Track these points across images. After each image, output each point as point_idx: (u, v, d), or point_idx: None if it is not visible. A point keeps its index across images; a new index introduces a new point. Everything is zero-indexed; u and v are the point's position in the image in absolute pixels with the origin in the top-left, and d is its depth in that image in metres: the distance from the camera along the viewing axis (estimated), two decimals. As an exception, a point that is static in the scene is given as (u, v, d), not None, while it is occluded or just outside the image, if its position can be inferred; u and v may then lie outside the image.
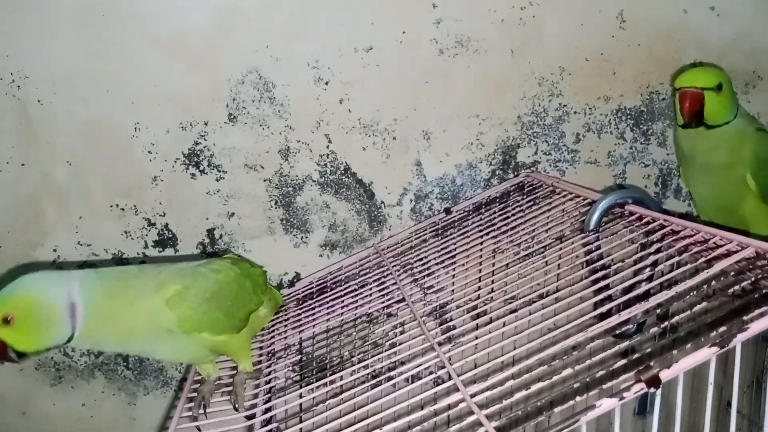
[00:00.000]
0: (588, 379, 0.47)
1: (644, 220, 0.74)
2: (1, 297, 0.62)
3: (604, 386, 0.45)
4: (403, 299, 0.82)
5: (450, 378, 0.58)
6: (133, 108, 1.03)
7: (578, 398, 0.45)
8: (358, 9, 1.04)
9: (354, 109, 1.08)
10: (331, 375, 0.72)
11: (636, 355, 0.48)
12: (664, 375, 0.44)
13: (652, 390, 0.44)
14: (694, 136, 0.92)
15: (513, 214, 0.95)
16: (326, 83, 1.06)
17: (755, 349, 1.13)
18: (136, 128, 1.04)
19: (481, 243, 0.96)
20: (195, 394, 0.75)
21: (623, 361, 0.48)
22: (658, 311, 0.54)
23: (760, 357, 1.12)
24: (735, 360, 0.47)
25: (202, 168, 1.06)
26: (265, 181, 1.08)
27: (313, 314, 0.93)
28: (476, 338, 0.63)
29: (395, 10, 1.05)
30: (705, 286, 0.54)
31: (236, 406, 0.72)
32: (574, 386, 0.47)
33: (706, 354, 0.45)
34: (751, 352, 1.12)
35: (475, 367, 0.59)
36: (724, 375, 1.16)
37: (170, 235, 1.08)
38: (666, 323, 0.51)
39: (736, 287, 0.53)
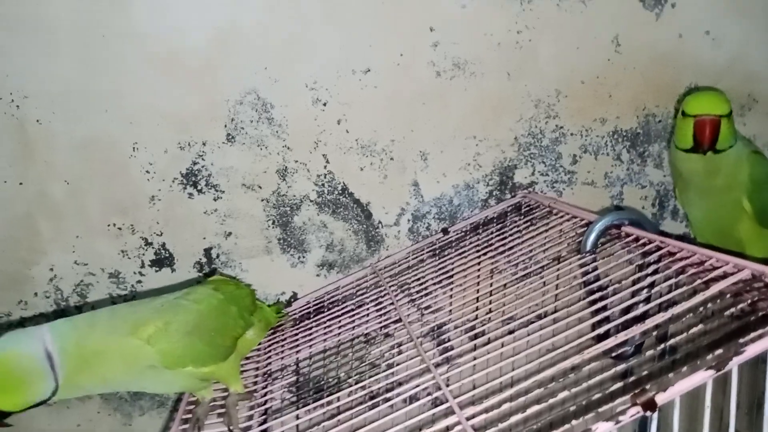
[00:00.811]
0: (585, 402, 0.47)
1: (641, 242, 0.74)
2: None
3: (600, 410, 0.45)
4: (400, 320, 0.82)
5: (447, 400, 0.58)
6: (131, 127, 1.04)
7: (575, 422, 0.45)
8: (356, 31, 1.05)
9: (352, 130, 1.08)
10: (328, 396, 0.71)
11: (633, 378, 0.48)
12: (660, 398, 0.44)
13: (648, 413, 0.44)
14: (695, 160, 0.92)
15: (510, 235, 0.96)
16: (324, 104, 1.07)
17: (754, 372, 1.13)
18: (134, 148, 1.04)
19: (479, 263, 0.96)
20: (190, 416, 0.74)
21: (620, 384, 0.48)
22: (656, 333, 0.54)
23: (760, 379, 1.12)
24: (732, 383, 0.47)
25: (199, 188, 1.07)
26: (262, 200, 1.09)
27: (310, 334, 0.92)
28: (474, 359, 0.63)
29: (393, 32, 1.06)
30: (702, 308, 0.54)
31: (230, 428, 0.71)
32: (571, 409, 0.47)
33: (703, 377, 0.45)
34: (750, 374, 1.12)
35: (473, 388, 0.59)
36: (724, 396, 1.16)
37: (167, 255, 1.08)
38: (664, 345, 0.51)
39: (733, 309, 0.53)
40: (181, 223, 1.07)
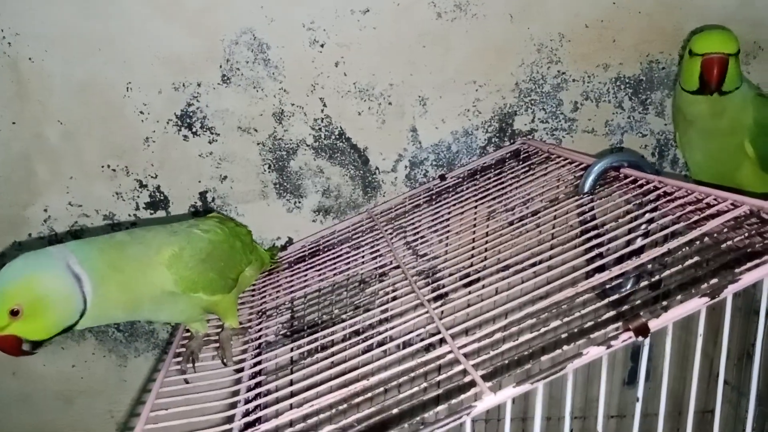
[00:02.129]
0: (576, 330, 0.46)
1: (639, 183, 0.73)
2: (2, 290, 0.58)
3: (593, 335, 0.45)
4: (395, 260, 0.82)
5: (439, 333, 0.58)
6: (125, 67, 1.02)
7: (566, 347, 0.45)
8: (355, -31, 1.02)
9: (350, 73, 1.06)
10: (321, 331, 0.71)
11: (626, 306, 0.48)
12: (653, 324, 0.43)
13: (640, 339, 0.43)
14: (701, 102, 0.90)
15: (508, 180, 0.95)
16: (322, 45, 1.04)
17: (746, 323, 1.13)
18: (128, 88, 1.02)
19: (476, 208, 0.96)
20: (183, 350, 0.75)
21: (612, 312, 0.47)
22: (651, 267, 0.53)
23: (750, 330, 1.12)
24: (725, 315, 0.46)
25: (194, 130, 1.05)
26: (258, 144, 1.07)
27: (305, 276, 0.92)
28: (469, 293, 0.63)
29: (393, -29, 1.03)
30: (698, 242, 0.54)
31: (224, 360, 0.72)
32: (562, 336, 0.47)
33: (697, 304, 0.44)
34: (741, 325, 1.12)
35: (465, 321, 0.59)
36: (714, 346, 1.16)
37: (162, 198, 1.07)
38: (658, 276, 0.50)
39: (730, 242, 0.52)
40: (176, 165, 1.06)
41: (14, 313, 0.58)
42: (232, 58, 1.03)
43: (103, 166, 1.05)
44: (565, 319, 0.49)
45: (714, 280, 0.45)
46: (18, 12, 0.98)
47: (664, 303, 0.45)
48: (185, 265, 0.68)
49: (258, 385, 0.66)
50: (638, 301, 0.48)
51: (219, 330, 0.77)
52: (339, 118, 1.08)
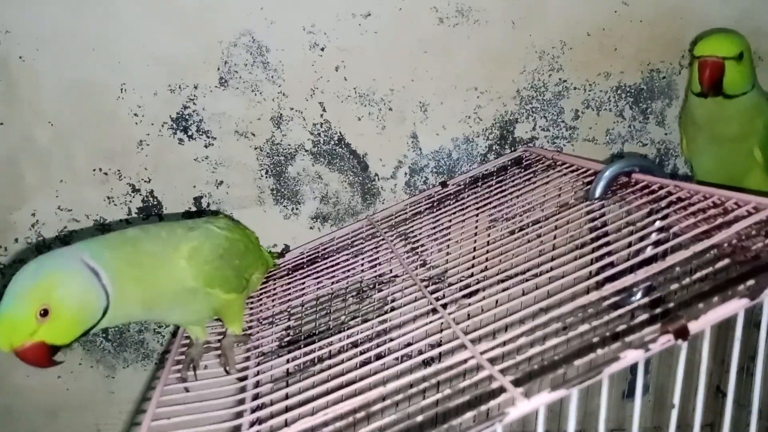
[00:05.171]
0: (608, 333, 0.44)
1: (651, 188, 0.71)
2: (27, 291, 0.55)
3: (628, 339, 0.43)
4: (401, 266, 0.79)
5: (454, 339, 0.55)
6: (120, 68, 0.99)
7: (600, 351, 0.43)
8: (357, -27, 1.01)
9: (350, 78, 1.04)
10: (323, 340, 0.69)
11: (660, 309, 0.46)
12: (693, 327, 0.42)
13: (679, 342, 0.41)
14: (709, 105, 0.90)
15: (514, 186, 0.93)
16: (322, 49, 1.03)
17: (746, 335, 1.13)
18: (122, 89, 1.00)
19: (482, 212, 0.94)
20: (183, 357, 0.71)
21: (645, 315, 0.46)
22: (679, 269, 0.52)
23: (750, 343, 1.12)
24: (764, 316, 0.45)
25: (190, 133, 1.02)
26: (255, 149, 1.05)
27: (305, 283, 0.90)
28: (483, 299, 0.60)
29: (395, -25, 1.02)
30: (725, 245, 0.52)
31: (227, 368, 0.69)
32: (593, 340, 0.45)
33: (736, 306, 0.43)
34: (741, 338, 1.11)
35: (480, 327, 0.57)
36: (714, 361, 1.15)
37: (155, 203, 1.04)
38: (688, 279, 0.49)
39: (759, 245, 0.51)
40: (171, 169, 1.03)
41: (43, 314, 0.55)
42: (231, 60, 1.01)
43: (94, 170, 1.02)
44: (594, 323, 0.47)
45: (750, 282, 0.44)
46: (8, 8, 0.95)
47: (700, 305, 0.43)
48: (204, 260, 0.66)
49: (258, 395, 0.63)
50: (671, 304, 0.46)
51: (219, 338, 0.75)
52: (338, 123, 1.06)
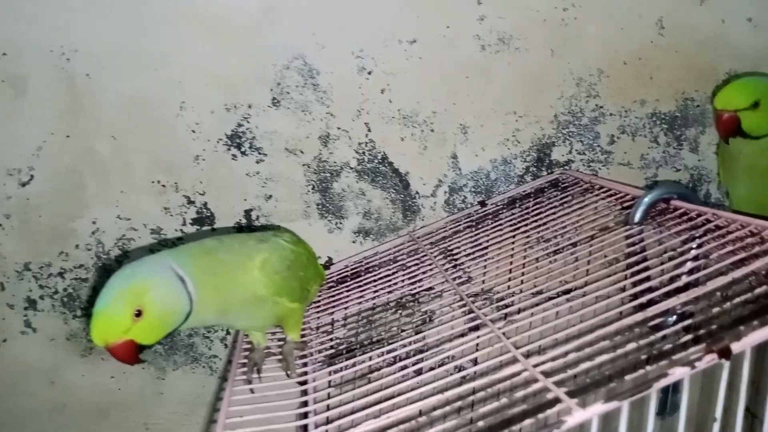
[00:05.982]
0: (655, 352, 0.48)
1: (691, 214, 0.75)
2: (124, 293, 0.60)
3: (674, 357, 0.47)
4: (446, 282, 0.84)
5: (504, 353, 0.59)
6: (179, 87, 1.05)
7: (648, 367, 0.47)
8: (404, 2, 1.06)
9: (395, 100, 1.10)
10: (376, 350, 0.73)
11: (702, 331, 0.50)
12: (735, 347, 0.46)
13: (723, 361, 0.45)
14: (739, 141, 0.94)
15: (552, 208, 0.97)
16: (369, 73, 1.08)
17: (754, 356, 1.15)
18: (181, 107, 1.06)
19: (519, 233, 0.98)
20: (246, 361, 0.76)
21: (689, 336, 0.50)
22: (719, 294, 0.55)
23: (758, 364, 1.14)
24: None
25: (243, 150, 1.08)
26: (303, 165, 1.10)
27: (352, 295, 0.94)
28: (531, 315, 0.65)
29: (440, 4, 1.07)
30: (762, 272, 0.56)
31: (288, 372, 0.74)
32: (642, 357, 0.49)
33: (775, 329, 0.47)
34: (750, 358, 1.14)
35: (530, 342, 0.61)
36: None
37: (208, 214, 1.10)
38: (729, 303, 0.53)
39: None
40: (224, 183, 1.09)
41: (138, 315, 0.60)
42: (283, 81, 1.06)
43: (152, 182, 1.08)
44: (641, 342, 0.51)
45: (789, 308, 0.48)
46: (77, 29, 1.02)
47: (741, 328, 0.47)
48: (274, 270, 0.71)
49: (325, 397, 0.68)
50: (713, 326, 0.50)
51: (280, 344, 0.80)
52: (382, 143, 1.11)
